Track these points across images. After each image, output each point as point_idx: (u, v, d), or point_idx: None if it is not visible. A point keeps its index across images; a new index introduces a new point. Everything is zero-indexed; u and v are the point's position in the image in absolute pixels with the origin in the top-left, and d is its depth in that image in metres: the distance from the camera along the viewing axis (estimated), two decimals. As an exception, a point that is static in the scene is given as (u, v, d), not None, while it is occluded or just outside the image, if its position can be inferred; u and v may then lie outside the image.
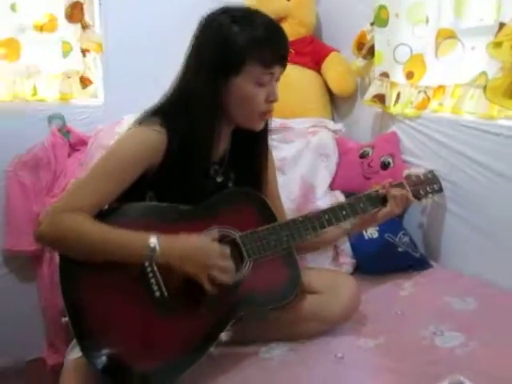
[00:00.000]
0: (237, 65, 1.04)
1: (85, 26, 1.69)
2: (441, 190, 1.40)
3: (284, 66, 1.09)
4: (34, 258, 1.68)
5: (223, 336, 1.04)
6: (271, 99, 1.09)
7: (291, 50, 1.12)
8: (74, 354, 1.01)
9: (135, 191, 1.05)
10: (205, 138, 1.07)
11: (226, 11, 1.06)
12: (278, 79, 1.10)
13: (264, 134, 1.19)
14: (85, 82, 1.74)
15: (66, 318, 0.94)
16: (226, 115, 1.10)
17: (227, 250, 1.03)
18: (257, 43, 1.03)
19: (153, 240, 0.96)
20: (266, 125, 1.17)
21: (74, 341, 1.01)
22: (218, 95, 1.06)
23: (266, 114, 1.11)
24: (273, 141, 1.60)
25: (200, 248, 1.00)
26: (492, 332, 1.17)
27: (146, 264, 1.00)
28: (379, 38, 1.69)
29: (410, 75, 1.64)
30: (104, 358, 0.93)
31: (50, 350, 1.69)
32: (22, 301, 1.71)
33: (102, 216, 1.00)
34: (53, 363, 1.65)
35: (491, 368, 1.04)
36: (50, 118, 1.70)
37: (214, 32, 1.04)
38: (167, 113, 1.08)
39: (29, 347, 1.72)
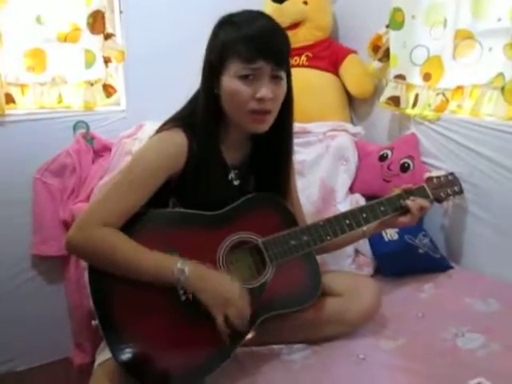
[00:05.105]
0: (220, 62, 1.05)
1: (107, 36, 1.73)
2: (461, 191, 1.41)
3: (275, 63, 1.03)
4: (60, 261, 1.72)
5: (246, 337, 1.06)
6: (258, 96, 1.03)
7: (287, 48, 1.07)
8: (103, 356, 1.04)
9: (158, 198, 1.07)
10: (211, 142, 1.09)
11: (230, 16, 1.08)
12: (274, 77, 1.05)
13: (286, 139, 1.18)
14: (109, 90, 1.78)
15: (96, 321, 0.98)
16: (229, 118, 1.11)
17: (247, 295, 1.03)
18: (235, 39, 1.03)
19: (180, 266, 0.98)
20: (287, 130, 1.17)
21: (103, 343, 1.05)
22: (214, 98, 1.07)
23: (257, 114, 1.05)
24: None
25: (224, 286, 1.01)
26: (513, 334, 1.17)
27: None
28: (394, 41, 1.69)
29: (427, 77, 1.63)
30: (131, 358, 0.96)
31: (77, 350, 1.73)
32: (49, 302, 1.75)
33: (128, 223, 1.02)
34: (79, 363, 1.69)
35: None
36: (75, 126, 1.74)
37: (211, 36, 1.08)
38: (186, 120, 1.10)
39: (56, 347, 1.77)
